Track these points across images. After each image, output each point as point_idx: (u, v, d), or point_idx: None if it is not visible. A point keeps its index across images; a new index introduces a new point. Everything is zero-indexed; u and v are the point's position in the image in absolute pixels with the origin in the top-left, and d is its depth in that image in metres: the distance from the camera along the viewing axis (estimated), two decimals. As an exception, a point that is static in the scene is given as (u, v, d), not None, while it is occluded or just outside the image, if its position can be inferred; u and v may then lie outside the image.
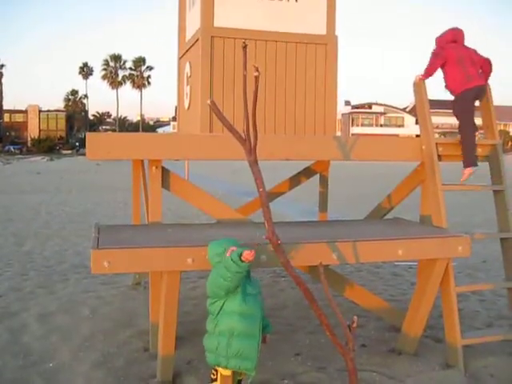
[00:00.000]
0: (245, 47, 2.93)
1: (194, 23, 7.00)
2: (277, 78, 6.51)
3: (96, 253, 4.14)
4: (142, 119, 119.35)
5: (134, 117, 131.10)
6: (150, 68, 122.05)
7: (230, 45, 6.46)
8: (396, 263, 9.57)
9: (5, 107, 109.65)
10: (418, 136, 6.28)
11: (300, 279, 3.79)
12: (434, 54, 6.20)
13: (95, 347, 5.83)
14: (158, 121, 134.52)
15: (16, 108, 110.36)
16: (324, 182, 8.13)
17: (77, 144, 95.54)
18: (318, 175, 8.18)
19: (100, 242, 4.46)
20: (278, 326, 6.35)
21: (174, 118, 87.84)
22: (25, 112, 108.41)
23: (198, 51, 6.51)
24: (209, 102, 2.79)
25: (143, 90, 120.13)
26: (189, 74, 6.95)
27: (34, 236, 12.95)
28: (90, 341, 6.02)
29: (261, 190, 3.35)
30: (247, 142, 3.18)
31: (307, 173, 8.17)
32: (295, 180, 8.27)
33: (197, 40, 6.61)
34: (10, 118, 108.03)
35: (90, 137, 5.07)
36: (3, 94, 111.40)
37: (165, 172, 5.43)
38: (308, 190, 10.58)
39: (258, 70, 2.90)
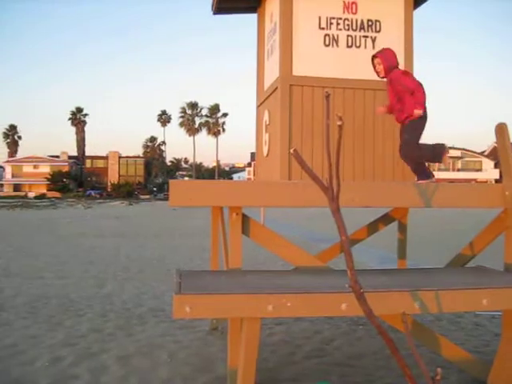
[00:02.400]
0: (328, 96, 2.96)
1: (272, 72, 7.15)
2: (355, 125, 6.55)
3: (178, 298, 4.20)
4: (218, 165, 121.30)
5: (209, 163, 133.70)
6: (225, 115, 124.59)
7: (308, 93, 6.56)
8: (478, 313, 9.26)
9: (87, 153, 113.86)
10: (497, 181, 6.17)
11: (383, 329, 3.73)
12: (418, 83, 6.29)
13: (174, 392, 5.87)
14: (233, 166, 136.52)
15: (97, 154, 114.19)
16: (403, 228, 8.02)
17: (154, 189, 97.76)
18: (396, 221, 8.10)
19: (182, 287, 4.53)
20: (356, 376, 6.24)
21: (249, 164, 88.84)
22: (105, 158, 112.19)
23: (276, 99, 6.62)
24: (292, 150, 2.83)
25: (218, 136, 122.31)
26: (267, 122, 7.07)
27: (114, 279, 13.24)
28: (168, 385, 6.07)
29: (343, 237, 3.33)
30: (330, 190, 3.20)
31: (385, 219, 8.10)
32: (373, 226, 8.20)
33: (275, 88, 6.73)
34: (92, 163, 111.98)
35: (172, 184, 5.21)
36: (85, 141, 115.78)
37: (245, 218, 5.50)
38: (384, 235, 10.43)
39: (341, 119, 2.93)
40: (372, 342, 7.53)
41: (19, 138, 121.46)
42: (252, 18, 8.48)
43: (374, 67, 6.43)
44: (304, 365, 6.72)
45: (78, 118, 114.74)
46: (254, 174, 8.34)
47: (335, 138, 2.88)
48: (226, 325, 7.34)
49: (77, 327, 8.50)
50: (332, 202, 3.33)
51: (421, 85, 6.33)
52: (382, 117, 6.69)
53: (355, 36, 6.86)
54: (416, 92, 6.21)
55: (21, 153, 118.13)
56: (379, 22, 6.91)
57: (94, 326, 8.59)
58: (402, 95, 6.27)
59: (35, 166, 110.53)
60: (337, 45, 6.80)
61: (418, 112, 6.15)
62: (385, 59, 6.36)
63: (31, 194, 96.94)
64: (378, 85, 6.64)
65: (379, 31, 6.91)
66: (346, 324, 8.65)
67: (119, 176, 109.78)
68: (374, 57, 6.44)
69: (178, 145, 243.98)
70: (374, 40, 6.89)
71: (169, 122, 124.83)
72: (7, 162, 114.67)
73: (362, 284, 3.84)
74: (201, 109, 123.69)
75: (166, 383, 6.12)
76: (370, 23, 6.89)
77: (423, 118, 6.29)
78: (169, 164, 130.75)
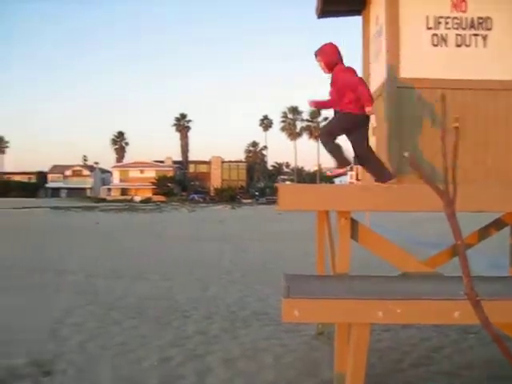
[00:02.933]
0: (442, 98, 2.87)
1: (378, 74, 7.03)
2: (466, 127, 6.33)
3: (287, 302, 4.20)
4: (320, 169, 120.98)
5: (310, 167, 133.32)
6: (326, 119, 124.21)
7: (416, 95, 6.41)
8: None
9: (190, 158, 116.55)
10: None
11: (499, 337, 3.57)
12: (359, 80, 6.22)
13: (280, 395, 5.88)
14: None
15: (200, 159, 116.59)
16: (515, 234, 7.68)
17: (256, 193, 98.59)
18: (508, 227, 7.77)
19: (290, 291, 4.52)
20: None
21: (351, 168, 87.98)
22: (208, 163, 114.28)
23: (383, 102, 6.51)
24: (406, 154, 2.76)
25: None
26: (374, 125, 6.96)
27: (218, 282, 13.43)
28: (274, 388, 6.09)
29: (459, 242, 3.22)
30: (446, 195, 3.10)
31: (497, 224, 7.78)
32: (484, 232, 7.90)
33: (382, 91, 6.62)
34: (195, 168, 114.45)
35: (281, 188, 5.23)
36: (189, 147, 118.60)
37: (353, 223, 5.45)
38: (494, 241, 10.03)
39: (457, 121, 2.83)
40: (484, 352, 7.25)
41: (126, 144, 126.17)
42: (352, 20, 8.43)
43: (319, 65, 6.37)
44: (411, 372, 6.56)
45: (182, 124, 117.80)
46: (357, 178, 8.22)
47: (451, 140, 2.78)
48: (331, 329, 7.29)
49: (183, 328, 8.69)
50: (448, 207, 3.23)
51: (363, 81, 6.25)
52: (494, 118, 6.44)
53: (465, 35, 6.63)
54: (358, 88, 6.03)
55: (128, 158, 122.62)
56: (490, 19, 6.65)
57: (200, 327, 8.74)
58: (344, 92, 6.12)
59: (141, 171, 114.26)
60: (446, 45, 6.61)
61: (368, 109, 5.96)
62: (324, 55, 6.28)
63: (137, 198, 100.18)
64: (489, 84, 6.40)
65: (490, 29, 6.65)
66: (455, 332, 8.37)
67: (222, 180, 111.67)
68: (314, 55, 6.38)
69: (279, 149, 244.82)
70: (484, 38, 6.64)
71: (270, 126, 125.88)
72: (115, 167, 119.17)
73: (477, 291, 3.71)
74: (301, 112, 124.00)
75: (271, 386, 6.15)
76: (480, 21, 6.65)
77: (355, 117, 6.11)
78: (270, 168, 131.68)
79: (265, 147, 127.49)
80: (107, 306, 10.30)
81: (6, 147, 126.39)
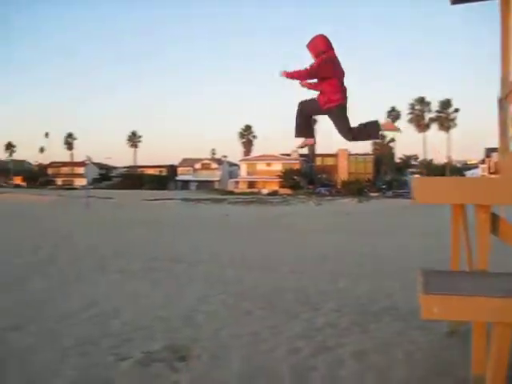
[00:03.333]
0: None
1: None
2: None
3: (426, 298, 4.09)
4: (449, 162, 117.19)
5: (439, 159, 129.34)
6: (456, 110, 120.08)
7: None
8: None
9: (317, 151, 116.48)
10: None
11: None
12: (337, 72, 6.52)
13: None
14: (465, 163, 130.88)
15: (327, 152, 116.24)
16: None
17: (383, 186, 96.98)
18: None
19: (429, 287, 4.40)
20: None
21: (483, 161, 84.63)
22: (335, 156, 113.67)
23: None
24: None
25: (449, 132, 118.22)
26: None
27: (348, 275, 13.35)
28: (406, 386, 5.98)
29: None
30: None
31: None
32: None
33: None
34: (322, 161, 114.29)
35: (417, 181, 5.10)
36: (315, 140, 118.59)
37: (494, 217, 5.22)
38: None
39: None
40: None
41: (254, 137, 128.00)
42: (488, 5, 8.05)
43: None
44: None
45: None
46: (490, 171, 7.87)
47: None
48: (465, 328, 7.06)
49: (313, 320, 8.71)
50: None
51: (341, 74, 6.49)
52: None
53: None
54: (331, 81, 6.31)
55: (255, 151, 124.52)
56: None
57: (330, 320, 8.73)
58: (321, 80, 6.40)
59: (268, 164, 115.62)
60: None
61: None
62: (313, 48, 6.37)
63: (264, 191, 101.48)
64: None
65: None
66: None
67: (348, 173, 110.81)
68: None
69: (407, 142, 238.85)
70: None
71: (398, 118, 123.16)
72: (242, 160, 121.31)
73: None
74: (428, 103, 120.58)
75: (402, 383, 6.04)
76: None
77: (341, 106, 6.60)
78: (398, 161, 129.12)
79: (392, 140, 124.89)
80: (238, 296, 10.52)
81: (139, 142, 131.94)
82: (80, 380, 6.05)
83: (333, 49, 6.42)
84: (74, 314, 8.90)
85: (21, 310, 9.20)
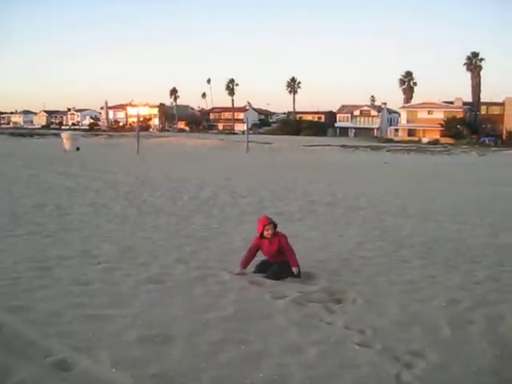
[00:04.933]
0: None
1: None
2: None
3: None
4: None
5: None
6: None
7: None
8: None
9: (482, 99, 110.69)
10: None
11: None
12: None
13: None
14: None
15: (493, 100, 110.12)
16: None
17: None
18: None
19: None
20: None
21: None
22: (502, 104, 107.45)
23: None
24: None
25: None
26: None
27: (509, 229, 12.79)
28: None
29: None
30: None
31: None
32: None
33: None
34: (487, 110, 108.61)
35: None
36: (481, 87, 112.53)
37: None
38: None
39: None
40: None
41: (415, 84, 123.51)
42: None
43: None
44: None
45: (473, 63, 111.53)
46: None
47: None
48: None
49: (473, 273, 8.46)
50: None
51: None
52: None
53: None
54: None
55: (416, 99, 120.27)
56: None
57: (491, 274, 8.43)
58: None
59: (429, 112, 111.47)
60: None
61: None
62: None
63: (424, 140, 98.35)
64: None
65: None
66: None
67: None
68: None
69: None
70: None
71: None
72: (403, 107, 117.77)
73: None
74: None
75: None
76: None
77: None
78: None
79: None
80: (396, 244, 10.45)
81: (299, 88, 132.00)
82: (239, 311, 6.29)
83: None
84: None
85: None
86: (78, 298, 6.48)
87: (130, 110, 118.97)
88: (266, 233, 7.76)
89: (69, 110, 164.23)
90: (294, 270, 7.68)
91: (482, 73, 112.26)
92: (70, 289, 6.87)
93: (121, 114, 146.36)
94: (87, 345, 5.14)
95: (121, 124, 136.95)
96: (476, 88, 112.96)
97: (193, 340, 5.37)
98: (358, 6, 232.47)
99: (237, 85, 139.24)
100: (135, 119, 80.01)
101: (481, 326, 6.14)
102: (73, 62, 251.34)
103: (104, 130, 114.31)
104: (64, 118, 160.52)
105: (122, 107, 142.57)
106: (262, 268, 7.83)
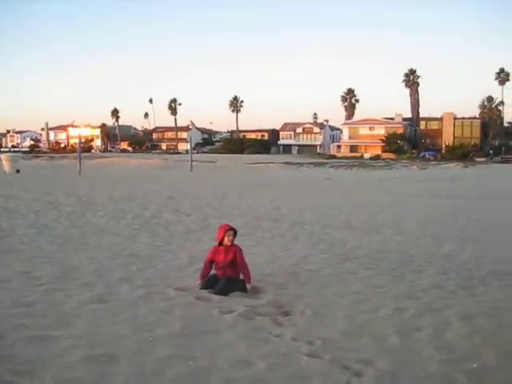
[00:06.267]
0: None
1: None
2: None
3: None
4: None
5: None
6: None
7: None
8: None
9: (421, 115, 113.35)
10: None
11: None
12: None
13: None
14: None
15: (431, 116, 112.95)
16: None
17: (490, 152, 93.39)
18: None
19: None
20: None
21: None
22: (440, 119, 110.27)
23: None
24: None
25: None
26: None
27: (452, 239, 13.04)
28: None
29: None
30: None
31: None
32: None
33: None
34: (426, 125, 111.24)
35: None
36: (419, 103, 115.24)
37: None
38: None
39: None
40: None
41: (356, 101, 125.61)
42: None
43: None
44: None
45: (411, 80, 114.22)
46: None
47: None
48: None
49: (418, 282, 8.58)
50: None
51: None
52: None
53: None
54: None
55: (357, 115, 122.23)
56: None
57: (435, 282, 8.57)
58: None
59: (371, 128, 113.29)
60: None
61: None
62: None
63: (367, 155, 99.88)
64: None
65: None
66: None
67: (454, 138, 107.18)
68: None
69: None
70: None
71: (508, 80, 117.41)
72: (345, 124, 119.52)
73: None
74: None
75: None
76: None
77: None
78: (506, 125, 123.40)
79: (501, 103, 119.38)
80: (342, 256, 10.51)
81: (241, 106, 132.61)
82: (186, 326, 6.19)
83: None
84: (183, 268, 9.16)
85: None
86: (21, 320, 6.23)
87: (72, 131, 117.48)
88: (226, 239, 7.74)
89: (8, 131, 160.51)
90: (248, 286, 7.64)
91: (420, 89, 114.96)
92: (12, 311, 6.62)
93: (62, 136, 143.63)
94: (30, 367, 4.93)
95: (62, 145, 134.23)
96: (415, 104, 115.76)
97: (139, 358, 5.23)
98: (299, 24, 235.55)
99: (179, 104, 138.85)
100: (77, 140, 78.77)
101: (428, 332, 6.20)
102: (12, 83, 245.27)
103: (45, 152, 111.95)
104: (3, 139, 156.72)
105: (63, 128, 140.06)
106: (209, 284, 7.73)
